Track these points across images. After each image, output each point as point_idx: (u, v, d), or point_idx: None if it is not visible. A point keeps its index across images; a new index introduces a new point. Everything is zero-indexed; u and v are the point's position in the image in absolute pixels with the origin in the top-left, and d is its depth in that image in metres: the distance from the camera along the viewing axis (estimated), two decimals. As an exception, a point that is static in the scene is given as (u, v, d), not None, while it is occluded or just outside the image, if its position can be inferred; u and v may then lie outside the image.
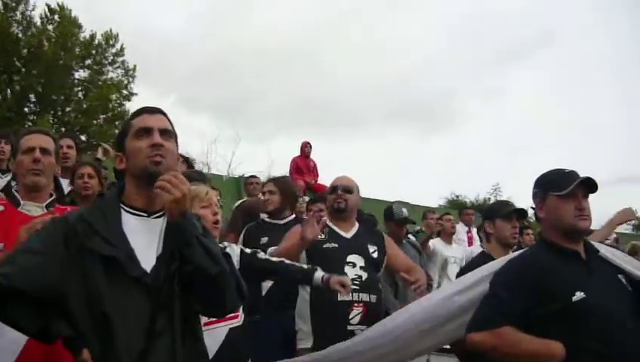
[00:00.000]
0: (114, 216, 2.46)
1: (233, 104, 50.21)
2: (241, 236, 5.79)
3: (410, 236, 7.91)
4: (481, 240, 9.15)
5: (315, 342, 4.38)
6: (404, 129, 63.13)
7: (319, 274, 3.96)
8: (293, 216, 5.80)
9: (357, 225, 4.83)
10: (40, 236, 2.47)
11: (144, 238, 2.44)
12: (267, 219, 5.86)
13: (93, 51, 26.83)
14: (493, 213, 4.68)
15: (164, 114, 2.62)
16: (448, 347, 4.91)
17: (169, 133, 2.55)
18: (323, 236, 4.62)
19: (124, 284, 2.34)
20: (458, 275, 4.53)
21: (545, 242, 3.25)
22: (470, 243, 10.17)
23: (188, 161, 7.80)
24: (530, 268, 3.13)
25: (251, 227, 5.88)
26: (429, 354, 5.03)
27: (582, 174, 3.18)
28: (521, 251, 3.58)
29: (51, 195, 3.43)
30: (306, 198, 9.88)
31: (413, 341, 3.82)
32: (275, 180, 6.04)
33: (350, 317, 4.34)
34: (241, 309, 3.77)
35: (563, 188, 3.12)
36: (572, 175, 3.17)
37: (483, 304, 3.16)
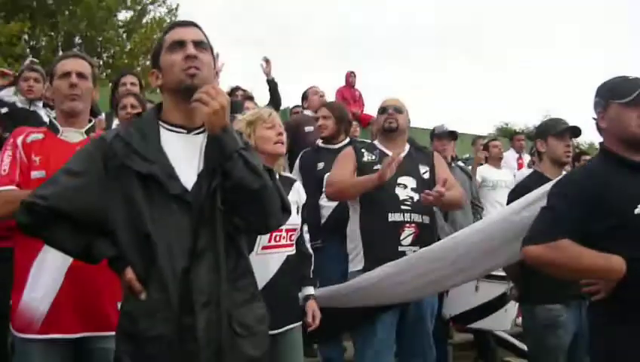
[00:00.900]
0: (152, 133, 2.42)
1: (276, 37, 49.91)
2: (297, 161, 5.76)
3: (459, 162, 7.78)
4: (532, 164, 9.05)
5: (365, 264, 4.34)
6: (454, 59, 62.25)
7: (307, 292, 3.91)
8: (348, 139, 5.70)
9: (407, 146, 4.73)
10: (79, 157, 2.46)
11: (184, 155, 2.40)
12: (322, 145, 5.79)
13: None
14: (545, 131, 4.52)
15: (197, 26, 2.54)
16: (497, 274, 4.91)
17: (204, 45, 2.48)
18: (373, 157, 4.56)
19: (164, 202, 2.31)
20: (509, 195, 4.43)
21: (606, 153, 3.08)
22: (520, 169, 9.97)
23: (248, 96, 7.76)
24: (589, 180, 2.97)
25: (307, 152, 5.83)
26: (478, 280, 5.00)
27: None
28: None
29: (90, 121, 3.37)
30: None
31: (472, 263, 3.78)
32: (328, 105, 5.93)
33: (402, 237, 4.27)
34: (297, 237, 3.82)
35: (626, 95, 2.93)
36: (636, 82, 2.99)
37: (540, 216, 3.02)
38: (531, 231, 2.99)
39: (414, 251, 4.20)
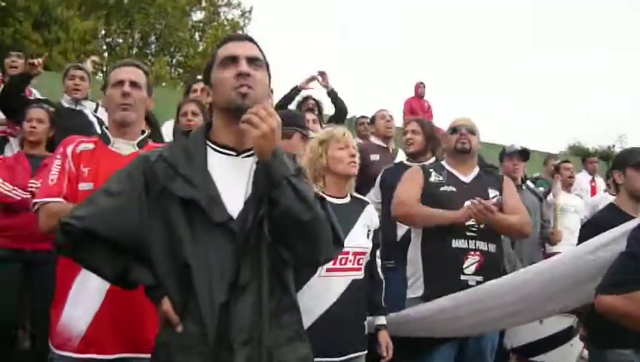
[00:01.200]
0: (199, 154, 2.27)
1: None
2: (379, 178, 5.59)
3: (529, 182, 7.48)
4: (608, 188, 8.70)
5: (425, 291, 4.14)
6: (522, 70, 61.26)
7: (378, 322, 3.79)
8: (434, 158, 5.54)
9: (477, 168, 4.50)
10: (120, 177, 2.32)
11: (232, 179, 2.25)
12: (406, 162, 5.64)
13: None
14: (623, 162, 4.20)
15: (253, 41, 2.39)
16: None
17: (258, 62, 2.31)
18: (441, 178, 4.36)
19: (207, 230, 2.16)
20: (582, 229, 4.23)
21: None
22: (593, 192, 9.66)
23: (319, 106, 7.64)
24: None
25: (390, 169, 5.67)
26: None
27: None
28: None
29: (143, 132, 3.26)
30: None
31: (539, 303, 3.58)
32: (419, 120, 5.78)
33: (465, 266, 4.05)
34: (367, 261, 3.67)
35: None
36: None
37: (617, 263, 2.79)
38: (607, 279, 2.76)
39: (477, 281, 4.00)
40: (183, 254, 2.15)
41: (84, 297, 2.83)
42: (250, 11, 27.85)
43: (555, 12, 65.07)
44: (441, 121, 12.26)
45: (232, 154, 2.30)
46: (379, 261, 3.87)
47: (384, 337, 3.73)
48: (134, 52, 24.77)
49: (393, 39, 53.68)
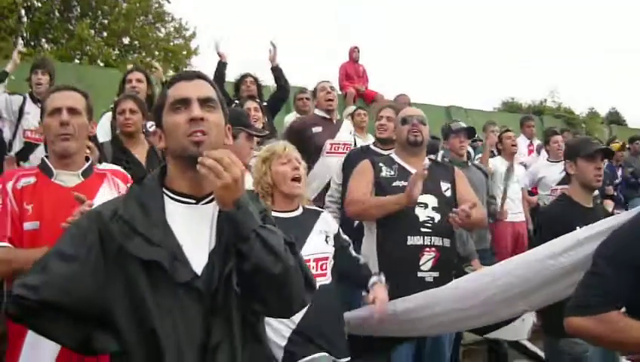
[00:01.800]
0: (155, 207, 2.11)
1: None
2: (342, 161, 5.51)
3: (469, 148, 7.49)
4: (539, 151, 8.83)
5: None
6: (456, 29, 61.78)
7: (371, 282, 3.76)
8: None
9: (427, 160, 4.39)
10: (72, 237, 2.11)
11: (193, 230, 2.10)
12: (372, 147, 5.57)
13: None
14: (575, 152, 4.22)
15: (205, 78, 2.23)
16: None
17: (212, 102, 2.16)
18: (392, 173, 4.28)
19: (171, 291, 2.02)
20: (538, 217, 4.19)
21: None
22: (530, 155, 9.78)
23: (258, 83, 7.53)
24: (638, 242, 2.65)
25: (355, 152, 5.61)
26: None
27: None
28: (628, 216, 3.12)
29: (87, 159, 3.08)
30: (353, 107, 9.49)
31: (499, 306, 3.56)
32: (393, 107, 5.61)
33: (421, 263, 4.02)
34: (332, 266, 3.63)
35: None
36: None
37: (586, 282, 2.74)
38: (576, 300, 2.72)
39: (434, 277, 3.98)
40: (147, 319, 1.99)
41: (42, 350, 2.65)
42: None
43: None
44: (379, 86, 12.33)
45: (190, 202, 2.15)
46: (353, 252, 3.87)
47: (377, 289, 3.72)
48: (56, 16, 23.72)
49: (393, 39, 53.24)
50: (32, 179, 2.91)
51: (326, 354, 3.40)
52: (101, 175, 3.09)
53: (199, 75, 2.24)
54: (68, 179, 2.95)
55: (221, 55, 7.69)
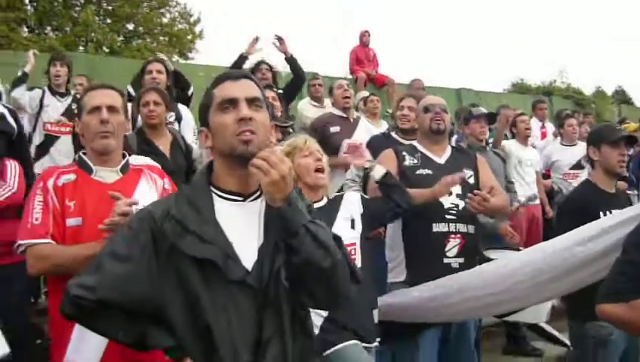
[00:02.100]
0: (205, 205, 2.17)
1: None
2: (365, 143, 5.58)
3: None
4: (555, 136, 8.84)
5: (408, 275, 4.16)
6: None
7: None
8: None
9: (449, 148, 4.49)
10: (125, 237, 2.18)
11: (242, 227, 2.16)
12: (395, 135, 5.56)
13: None
14: (599, 138, 4.25)
15: (251, 78, 2.28)
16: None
17: (259, 102, 2.20)
18: (415, 161, 4.33)
19: (224, 287, 2.08)
20: (560, 208, 4.30)
21: None
22: (543, 137, 9.82)
23: (273, 71, 7.57)
24: None
25: (377, 137, 5.68)
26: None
27: None
28: None
29: (124, 155, 3.12)
30: (366, 93, 9.51)
31: (529, 291, 3.62)
32: (415, 97, 5.61)
33: (447, 249, 4.08)
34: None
35: None
36: None
37: (616, 270, 2.83)
38: (606, 287, 2.80)
39: (460, 263, 4.04)
40: (201, 315, 2.07)
41: (89, 341, 2.68)
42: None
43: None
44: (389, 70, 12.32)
45: (238, 200, 2.21)
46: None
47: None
48: (60, 2, 23.65)
49: (398, 24, 52.95)
50: (73, 176, 2.94)
51: (357, 342, 3.47)
52: (138, 170, 3.12)
53: (245, 75, 2.28)
54: (107, 175, 2.98)
55: (248, 51, 7.68)
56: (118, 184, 2.95)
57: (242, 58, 7.65)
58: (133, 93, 5.88)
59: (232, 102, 2.16)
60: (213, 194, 2.20)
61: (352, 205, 3.80)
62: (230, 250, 2.10)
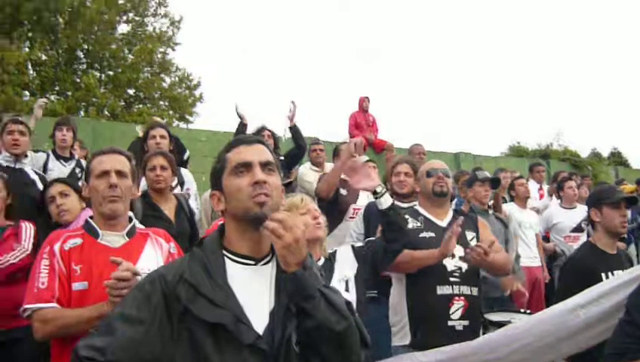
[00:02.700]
0: (218, 269, 2.18)
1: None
2: (362, 210, 5.56)
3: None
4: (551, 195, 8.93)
5: (412, 339, 4.15)
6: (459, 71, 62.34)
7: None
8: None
9: (451, 211, 4.57)
10: (137, 300, 2.17)
11: (254, 291, 2.18)
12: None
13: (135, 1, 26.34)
14: (599, 200, 4.35)
15: (263, 143, 2.35)
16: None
17: (271, 166, 2.26)
18: (419, 224, 4.39)
19: (236, 351, 2.07)
20: (561, 270, 4.28)
21: None
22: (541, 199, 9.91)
23: (274, 138, 7.65)
24: None
25: (373, 205, 5.67)
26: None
27: None
28: None
29: (130, 220, 3.16)
30: (365, 158, 9.60)
31: (534, 353, 3.63)
32: (410, 162, 5.67)
33: (451, 311, 4.10)
34: None
35: None
36: None
37: (620, 330, 2.88)
38: (613, 347, 2.84)
39: (464, 326, 4.06)
40: None
41: None
42: (179, 21, 27.44)
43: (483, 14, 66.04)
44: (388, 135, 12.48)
45: (250, 264, 2.22)
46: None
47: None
48: (61, 68, 24.01)
49: (397, 89, 53.90)
50: (79, 241, 2.97)
51: None
52: (145, 234, 3.16)
53: (258, 140, 2.34)
54: (114, 239, 3.01)
55: (242, 117, 7.75)
56: (124, 248, 2.99)
57: (243, 126, 7.74)
58: None
59: (246, 166, 2.21)
60: (226, 258, 2.22)
61: (345, 263, 3.79)
62: (241, 314, 2.10)
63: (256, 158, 2.24)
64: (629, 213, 10.28)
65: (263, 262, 2.24)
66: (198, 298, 2.11)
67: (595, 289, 3.50)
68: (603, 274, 3.91)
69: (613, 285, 3.37)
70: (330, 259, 3.81)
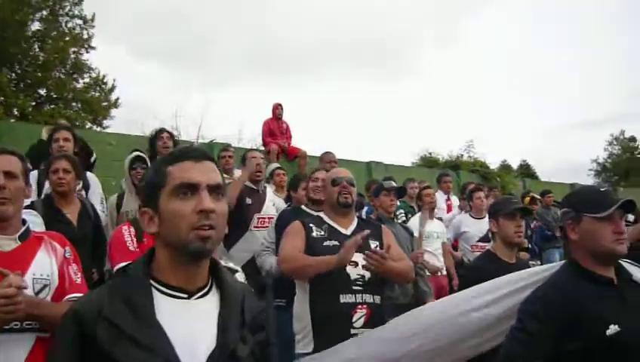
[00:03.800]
0: (144, 303, 1.82)
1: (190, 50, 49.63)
2: (274, 219, 5.64)
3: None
4: (461, 209, 9.16)
5: (315, 346, 4.15)
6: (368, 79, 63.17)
7: None
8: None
9: (356, 219, 4.61)
10: (54, 351, 1.90)
11: (187, 329, 1.83)
12: (305, 208, 5.71)
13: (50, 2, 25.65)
14: (496, 211, 4.51)
15: (212, 160, 1.96)
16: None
17: (220, 190, 1.91)
18: (322, 233, 4.41)
19: None
20: (465, 275, 4.36)
21: (575, 267, 3.03)
22: (449, 210, 10.14)
23: (173, 138, 7.58)
24: (559, 299, 2.90)
25: (286, 211, 5.83)
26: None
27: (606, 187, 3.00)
28: (548, 272, 3.34)
29: (24, 222, 3.04)
30: (276, 164, 9.63)
31: (428, 356, 3.67)
32: (327, 170, 5.69)
33: (353, 320, 4.11)
34: None
35: (601, 209, 2.88)
36: (608, 195, 2.98)
37: (512, 338, 2.96)
38: (504, 354, 2.93)
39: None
40: None
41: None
42: (92, 19, 26.84)
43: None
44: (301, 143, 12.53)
45: (182, 297, 1.89)
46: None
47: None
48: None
49: (310, 98, 54.00)
50: None
51: None
52: (39, 238, 3.05)
53: (207, 156, 1.97)
54: (5, 243, 2.89)
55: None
56: (15, 252, 2.89)
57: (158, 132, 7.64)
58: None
59: (191, 188, 1.85)
60: (154, 290, 1.88)
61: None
62: (173, 357, 1.78)
63: (205, 180, 1.86)
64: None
65: (197, 295, 1.92)
66: (120, 338, 1.76)
67: (486, 288, 3.57)
68: (500, 283, 4.02)
69: (507, 290, 3.43)
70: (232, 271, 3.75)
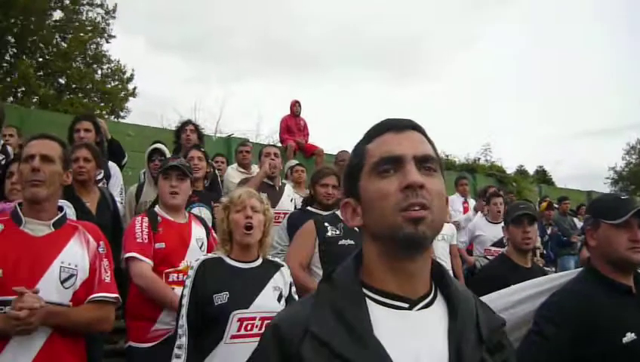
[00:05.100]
0: (358, 316, 1.46)
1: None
2: (285, 221, 5.59)
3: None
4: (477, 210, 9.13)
5: None
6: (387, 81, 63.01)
7: None
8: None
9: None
10: None
11: (410, 349, 1.45)
12: (312, 209, 5.60)
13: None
14: (506, 218, 4.60)
15: (419, 130, 1.60)
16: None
17: (432, 163, 1.53)
18: (338, 232, 4.41)
19: None
20: (477, 276, 4.35)
21: (593, 274, 3.03)
22: (465, 212, 10.09)
23: (198, 130, 7.60)
24: (576, 304, 2.90)
25: (295, 213, 5.77)
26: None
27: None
28: (566, 278, 3.32)
29: (61, 209, 3.06)
30: (294, 161, 9.63)
31: None
32: (336, 174, 5.66)
33: None
34: None
35: (617, 216, 2.88)
36: (628, 202, 2.95)
37: (529, 341, 2.96)
38: (521, 358, 2.90)
39: None
40: None
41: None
42: (114, 10, 26.94)
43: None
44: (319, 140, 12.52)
45: (402, 307, 1.51)
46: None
47: None
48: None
49: (328, 95, 53.86)
50: (1, 226, 2.88)
51: None
52: (74, 227, 3.06)
53: (412, 125, 1.60)
54: (37, 228, 2.91)
55: None
56: (48, 238, 2.91)
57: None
58: None
59: (395, 162, 1.51)
60: (368, 299, 1.52)
61: (284, 283, 3.64)
62: None
63: (410, 151, 1.51)
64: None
65: (420, 306, 1.54)
66: (331, 359, 1.42)
67: (504, 296, 3.55)
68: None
69: (524, 296, 3.42)
70: (271, 265, 3.68)
